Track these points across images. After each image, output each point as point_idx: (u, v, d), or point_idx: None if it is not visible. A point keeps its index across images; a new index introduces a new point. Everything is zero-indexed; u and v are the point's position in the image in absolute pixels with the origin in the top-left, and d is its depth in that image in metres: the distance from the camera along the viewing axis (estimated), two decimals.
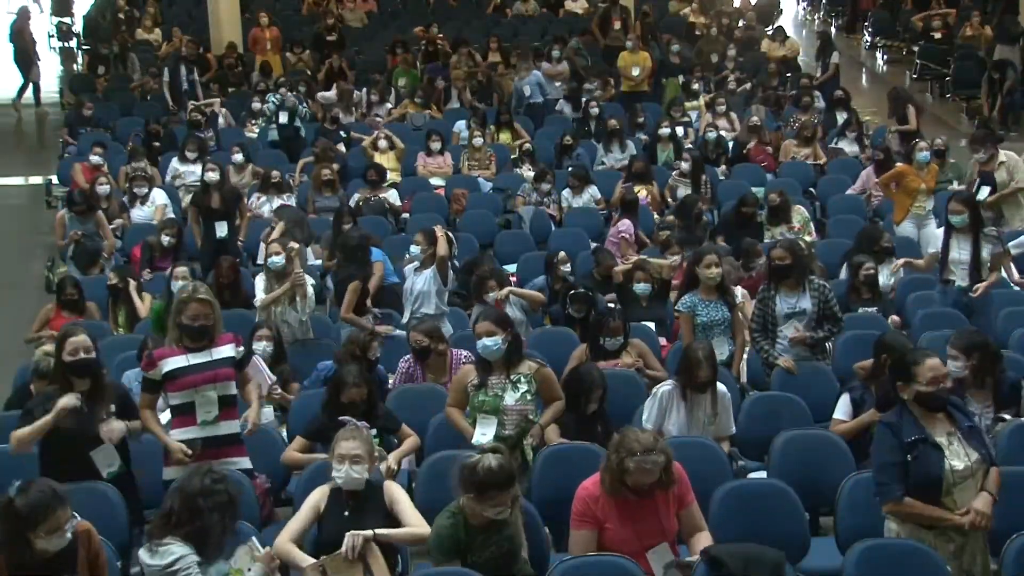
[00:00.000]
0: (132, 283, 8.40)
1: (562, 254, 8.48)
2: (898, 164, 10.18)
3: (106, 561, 4.36)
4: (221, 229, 9.21)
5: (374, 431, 5.47)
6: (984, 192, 9.39)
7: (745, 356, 6.95)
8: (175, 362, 5.24)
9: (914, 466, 4.34)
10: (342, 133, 12.51)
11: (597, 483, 4.55)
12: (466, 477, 4.39)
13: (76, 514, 4.14)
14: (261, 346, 6.76)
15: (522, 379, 5.46)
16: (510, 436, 5.32)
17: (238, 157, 11.21)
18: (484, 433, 5.36)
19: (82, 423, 5.07)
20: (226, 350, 5.34)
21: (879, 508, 4.50)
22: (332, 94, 13.86)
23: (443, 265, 7.34)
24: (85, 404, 5.07)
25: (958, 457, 4.37)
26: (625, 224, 9.36)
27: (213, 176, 9.35)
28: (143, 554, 4.23)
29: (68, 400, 5.00)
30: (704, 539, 4.60)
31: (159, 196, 10.50)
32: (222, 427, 5.29)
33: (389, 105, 13.87)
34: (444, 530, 4.46)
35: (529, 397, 5.45)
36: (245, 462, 5.38)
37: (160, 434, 5.25)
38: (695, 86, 13.96)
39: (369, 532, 4.45)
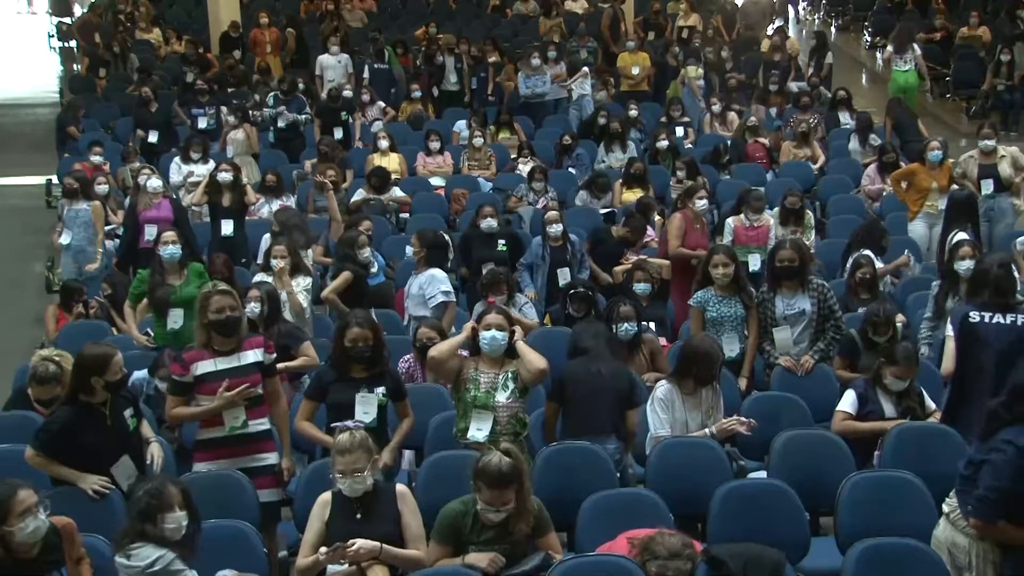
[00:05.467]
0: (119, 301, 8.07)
1: (551, 213, 8.77)
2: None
3: (90, 561, 4.38)
4: (227, 228, 9.31)
5: (382, 389, 5.50)
6: (988, 186, 9.37)
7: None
8: (204, 366, 5.27)
9: None
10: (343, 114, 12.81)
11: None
12: (473, 466, 4.48)
13: (47, 502, 4.13)
14: (250, 307, 6.48)
15: (510, 376, 5.44)
16: (507, 434, 5.29)
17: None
18: (480, 429, 5.36)
19: (107, 438, 4.99)
20: (254, 354, 5.37)
21: (881, 508, 4.47)
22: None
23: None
24: (111, 417, 4.99)
25: None
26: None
27: (227, 176, 9.40)
28: (119, 559, 4.22)
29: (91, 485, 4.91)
30: None
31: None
32: (251, 426, 5.33)
33: (381, 104, 13.85)
34: (450, 513, 4.52)
35: (518, 394, 5.44)
36: (273, 457, 5.41)
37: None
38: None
39: (376, 546, 4.43)
